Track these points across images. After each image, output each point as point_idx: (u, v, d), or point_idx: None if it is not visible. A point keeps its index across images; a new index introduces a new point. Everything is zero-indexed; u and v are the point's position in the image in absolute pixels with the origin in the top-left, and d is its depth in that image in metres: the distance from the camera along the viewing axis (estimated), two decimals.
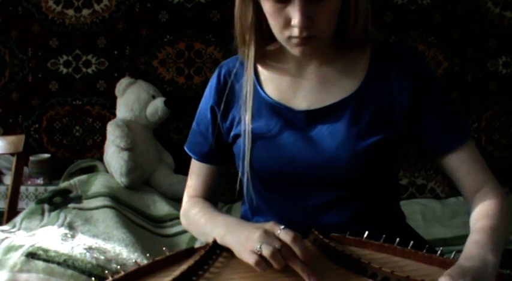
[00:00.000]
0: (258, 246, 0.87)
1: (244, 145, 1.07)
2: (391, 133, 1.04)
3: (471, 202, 1.04)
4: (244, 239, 0.91)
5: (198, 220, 1.12)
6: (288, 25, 0.96)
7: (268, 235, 0.89)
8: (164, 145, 2.48)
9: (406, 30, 2.48)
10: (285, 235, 0.89)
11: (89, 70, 2.53)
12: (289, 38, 0.98)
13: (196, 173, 1.22)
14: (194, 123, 1.22)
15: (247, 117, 1.08)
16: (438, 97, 1.06)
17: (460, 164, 1.05)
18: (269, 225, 0.92)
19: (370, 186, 1.08)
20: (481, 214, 0.99)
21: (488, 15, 2.49)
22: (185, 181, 1.27)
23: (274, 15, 0.97)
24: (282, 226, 0.91)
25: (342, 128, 1.03)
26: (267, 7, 0.98)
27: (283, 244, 0.87)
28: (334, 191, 1.06)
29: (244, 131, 1.08)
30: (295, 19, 0.94)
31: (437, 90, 1.06)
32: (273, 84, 1.11)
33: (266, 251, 0.86)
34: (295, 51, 1.01)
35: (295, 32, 0.96)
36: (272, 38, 1.04)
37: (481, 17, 2.49)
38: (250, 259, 0.87)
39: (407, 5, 2.48)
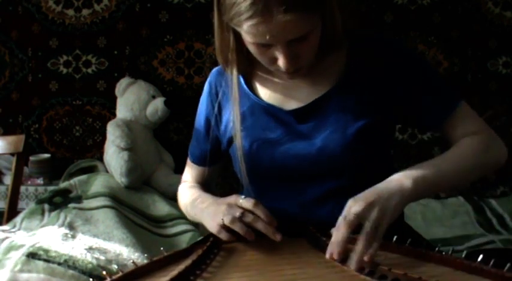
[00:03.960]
0: (221, 218, 0.97)
1: (237, 147, 1.11)
2: (378, 117, 1.06)
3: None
4: (212, 215, 1.02)
5: (186, 202, 1.22)
6: (274, 62, 0.99)
7: (231, 206, 0.98)
8: (164, 145, 2.48)
9: (406, 30, 2.48)
10: (246, 202, 0.98)
11: (89, 70, 2.53)
12: (278, 69, 1.01)
13: (190, 168, 1.31)
14: (195, 125, 1.28)
15: (237, 135, 1.10)
16: (420, 75, 1.08)
17: (456, 126, 1.08)
18: (231, 198, 1.01)
19: (366, 176, 1.08)
20: (453, 148, 1.05)
21: (488, 15, 2.49)
22: None
23: (260, 55, 1.00)
24: (243, 196, 1.00)
25: (330, 120, 1.06)
26: (251, 48, 1.00)
27: (245, 211, 0.97)
28: (329, 182, 1.08)
29: (234, 134, 1.11)
30: (280, 61, 0.96)
31: (417, 68, 1.08)
32: (264, 88, 1.14)
33: (227, 220, 0.96)
34: (284, 77, 1.06)
35: (282, 69, 0.98)
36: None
37: (481, 17, 2.49)
38: (214, 231, 0.98)
39: (407, 5, 2.48)
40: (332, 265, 0.89)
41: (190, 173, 1.32)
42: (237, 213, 0.96)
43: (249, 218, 0.96)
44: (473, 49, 2.51)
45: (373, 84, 1.07)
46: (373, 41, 1.10)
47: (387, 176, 1.18)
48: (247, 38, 0.96)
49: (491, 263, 0.82)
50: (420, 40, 2.49)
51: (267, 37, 0.91)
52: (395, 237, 0.94)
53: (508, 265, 0.78)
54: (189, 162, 1.31)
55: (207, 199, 1.13)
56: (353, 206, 0.89)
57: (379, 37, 1.11)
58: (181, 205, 1.28)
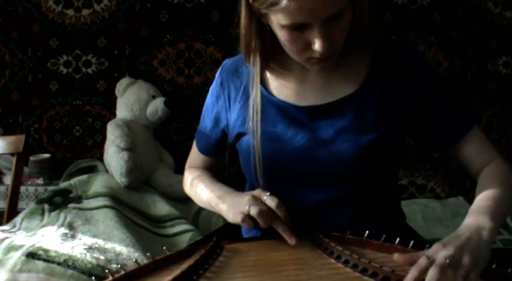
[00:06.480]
0: (247, 207, 0.99)
1: (254, 147, 1.09)
2: (394, 129, 1.06)
3: (479, 175, 1.07)
4: (236, 204, 1.03)
5: (195, 188, 1.23)
6: (307, 48, 0.97)
7: (256, 199, 1.02)
8: (164, 145, 2.48)
9: (406, 30, 2.48)
10: (270, 200, 1.01)
11: (89, 70, 2.53)
12: (309, 58, 0.99)
13: (196, 154, 1.31)
14: (202, 114, 1.27)
15: (258, 129, 1.09)
16: (441, 92, 1.08)
17: (469, 149, 1.08)
18: (257, 191, 1.04)
19: (372, 183, 1.08)
20: (487, 182, 1.02)
21: (488, 15, 2.49)
22: None
23: (292, 41, 0.97)
24: (268, 193, 1.02)
25: (346, 124, 1.05)
26: (283, 34, 0.97)
27: (268, 208, 0.99)
28: (337, 188, 1.07)
29: (254, 132, 1.09)
30: (317, 44, 0.94)
31: (439, 85, 1.09)
32: (278, 85, 1.12)
33: (254, 211, 0.97)
34: (314, 68, 1.03)
35: (317, 54, 0.96)
36: (275, 45, 1.05)
37: (481, 17, 2.49)
38: (238, 218, 0.99)
39: (407, 5, 2.48)
40: (335, 267, 0.89)
41: (197, 158, 1.32)
42: (263, 207, 0.99)
43: (270, 216, 0.99)
44: (473, 49, 2.51)
45: (393, 95, 1.06)
46: (399, 53, 1.09)
47: (392, 186, 1.18)
48: (283, 21, 0.93)
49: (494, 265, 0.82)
50: (420, 40, 2.49)
51: (306, 12, 0.89)
52: (398, 239, 0.94)
53: None
54: (195, 148, 1.32)
55: (225, 188, 1.15)
56: (442, 250, 0.82)
57: (404, 49, 1.10)
58: (190, 190, 1.28)
